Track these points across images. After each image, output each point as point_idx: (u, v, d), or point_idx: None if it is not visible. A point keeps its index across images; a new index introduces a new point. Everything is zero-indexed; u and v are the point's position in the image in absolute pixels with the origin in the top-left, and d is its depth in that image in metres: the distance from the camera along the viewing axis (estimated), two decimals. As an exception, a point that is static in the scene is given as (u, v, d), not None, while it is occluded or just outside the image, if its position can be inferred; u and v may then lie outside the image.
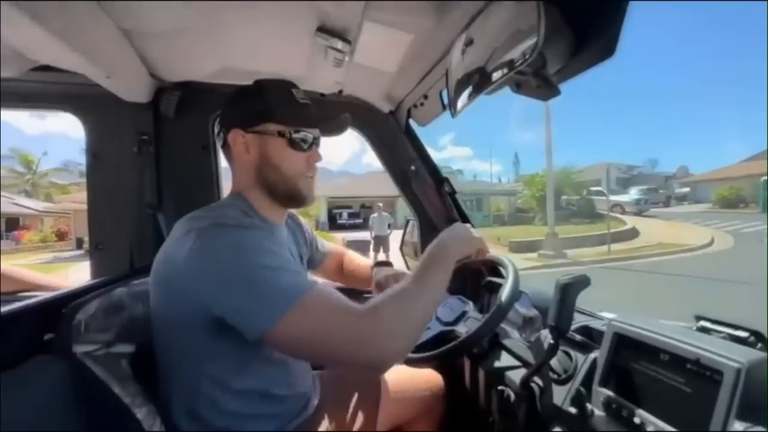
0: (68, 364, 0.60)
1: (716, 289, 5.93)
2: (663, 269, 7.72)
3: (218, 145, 0.82)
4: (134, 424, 0.61)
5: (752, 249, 9.79)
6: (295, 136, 0.75)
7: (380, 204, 9.02)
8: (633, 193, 23.30)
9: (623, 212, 19.83)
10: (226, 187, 1.28)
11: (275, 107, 0.74)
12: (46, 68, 0.87)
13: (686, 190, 31.56)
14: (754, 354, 0.53)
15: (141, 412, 0.63)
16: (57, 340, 0.63)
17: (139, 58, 0.94)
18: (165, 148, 1.17)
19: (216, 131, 0.80)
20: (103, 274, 1.10)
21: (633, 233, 13.40)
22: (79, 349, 0.62)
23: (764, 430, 0.46)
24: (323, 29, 0.85)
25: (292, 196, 0.78)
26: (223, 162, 1.34)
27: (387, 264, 1.11)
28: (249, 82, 1.16)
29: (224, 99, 1.19)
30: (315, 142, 0.79)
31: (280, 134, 0.74)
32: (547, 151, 10.84)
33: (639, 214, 19.57)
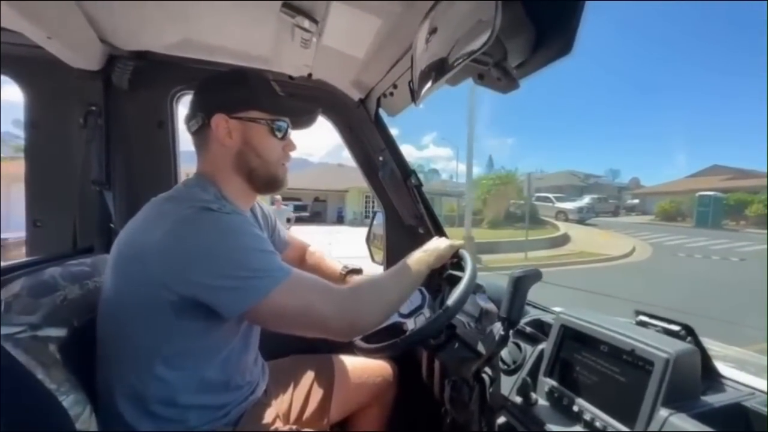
0: None
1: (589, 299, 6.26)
2: (568, 279, 7.62)
3: (191, 129, 0.78)
4: (59, 412, 0.57)
5: (662, 261, 10.44)
6: (275, 124, 0.78)
7: (278, 197, 8.73)
8: (585, 201, 24.13)
9: (566, 219, 20.45)
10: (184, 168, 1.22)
11: (260, 95, 0.77)
12: None
13: (636, 201, 33.02)
14: (683, 346, 0.56)
15: (68, 400, 0.58)
16: None
17: (87, 21, 0.86)
18: (116, 122, 1.09)
19: (191, 115, 0.78)
20: (40, 253, 1.02)
21: (564, 240, 13.70)
22: None
23: (684, 414, 0.49)
24: (289, 6, 0.81)
25: (269, 182, 0.80)
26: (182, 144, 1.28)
27: (359, 271, 1.12)
28: (212, 57, 1.13)
29: (185, 73, 1.15)
30: (288, 132, 0.81)
31: (263, 122, 0.77)
32: (468, 157, 10.65)
33: (581, 222, 20.16)
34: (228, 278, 0.62)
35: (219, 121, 0.74)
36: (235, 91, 0.76)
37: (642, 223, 22.61)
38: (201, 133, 0.77)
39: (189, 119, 0.78)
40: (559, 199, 23.34)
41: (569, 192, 31.58)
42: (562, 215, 21.09)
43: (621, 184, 47.18)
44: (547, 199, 23.00)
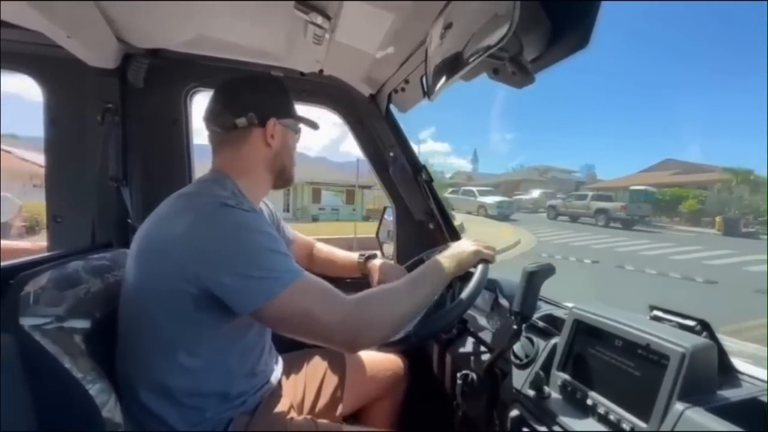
0: (14, 337, 0.57)
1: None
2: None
3: (234, 125, 0.78)
4: (86, 401, 0.59)
5: (515, 262, 9.27)
6: (296, 129, 0.89)
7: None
8: (533, 196, 23.65)
9: (486, 214, 19.64)
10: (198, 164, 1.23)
11: (293, 105, 0.88)
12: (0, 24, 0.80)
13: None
14: (699, 341, 0.56)
15: (94, 389, 0.61)
16: (3, 312, 0.59)
17: (104, 19, 0.88)
18: (132, 119, 1.11)
19: (233, 112, 0.78)
20: (60, 247, 1.04)
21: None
22: (26, 321, 0.58)
23: (700, 408, 0.49)
24: (303, 3, 0.82)
25: (289, 179, 0.89)
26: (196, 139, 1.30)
27: (375, 256, 1.13)
28: (225, 54, 1.14)
29: (199, 70, 1.16)
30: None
31: (293, 127, 0.87)
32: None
33: (504, 217, 19.16)
34: (238, 276, 0.62)
35: (272, 123, 0.80)
36: (283, 98, 0.85)
37: (569, 222, 20.80)
38: (242, 131, 0.79)
39: (233, 116, 0.78)
40: (483, 194, 22.35)
41: (526, 187, 30.82)
42: (483, 210, 20.38)
43: (579, 178, 46.00)
44: (471, 194, 22.35)
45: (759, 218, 17.52)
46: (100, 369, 0.66)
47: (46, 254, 0.85)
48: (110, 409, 0.62)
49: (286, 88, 0.87)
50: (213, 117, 0.80)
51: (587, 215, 19.33)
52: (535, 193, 24.81)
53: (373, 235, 1.54)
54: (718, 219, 17.25)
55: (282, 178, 0.88)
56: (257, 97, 0.81)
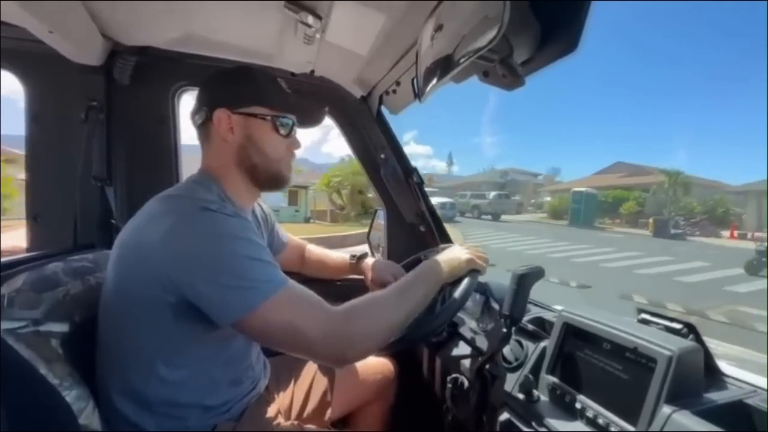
0: None
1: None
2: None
3: (196, 123, 0.78)
4: (63, 407, 0.57)
5: None
6: (279, 121, 0.76)
7: None
8: (491, 197, 24.48)
9: None
10: (185, 164, 1.21)
11: (264, 91, 0.76)
12: None
13: (549, 198, 31.74)
14: (686, 344, 0.56)
15: (71, 395, 0.58)
16: None
17: (88, 15, 0.86)
18: (117, 118, 1.08)
19: (196, 109, 0.77)
20: (40, 248, 1.01)
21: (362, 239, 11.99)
22: (0, 325, 0.56)
23: (687, 411, 0.49)
24: (293, 2, 0.81)
25: (272, 179, 0.79)
26: (185, 139, 1.28)
27: (366, 256, 1.12)
28: (214, 53, 1.13)
29: (186, 69, 1.14)
30: (294, 129, 0.80)
31: (266, 118, 0.75)
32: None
33: (447, 220, 18.87)
34: (215, 285, 0.59)
35: (221, 115, 0.73)
36: (239, 86, 0.75)
37: (525, 221, 22.42)
38: (205, 128, 0.77)
39: (194, 113, 0.77)
40: (430, 195, 23.01)
41: (487, 188, 31.08)
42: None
43: (540, 181, 47.49)
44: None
45: (691, 220, 18.15)
46: (78, 375, 0.63)
47: (24, 255, 0.82)
48: (87, 416, 0.60)
49: (254, 75, 0.76)
50: (191, 114, 0.79)
51: (467, 210, 24.08)
52: (491, 195, 25.41)
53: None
54: (650, 221, 17.89)
55: (257, 176, 0.77)
56: (210, 89, 0.77)
